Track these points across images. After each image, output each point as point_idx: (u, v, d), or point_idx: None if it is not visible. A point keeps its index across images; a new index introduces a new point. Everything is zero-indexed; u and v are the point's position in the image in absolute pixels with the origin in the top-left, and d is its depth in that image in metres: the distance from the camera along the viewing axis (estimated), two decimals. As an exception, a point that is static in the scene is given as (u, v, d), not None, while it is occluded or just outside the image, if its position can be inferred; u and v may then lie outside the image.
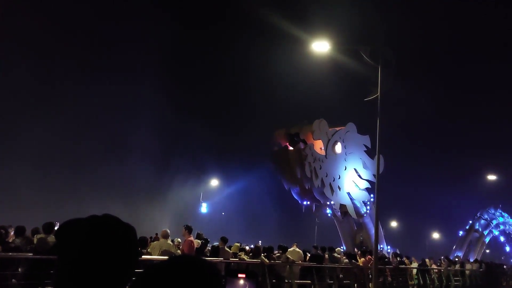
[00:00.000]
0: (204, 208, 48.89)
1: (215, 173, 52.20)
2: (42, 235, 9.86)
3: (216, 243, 14.06)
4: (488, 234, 56.58)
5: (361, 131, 28.75)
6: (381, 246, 28.15)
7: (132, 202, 47.09)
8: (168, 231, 12.27)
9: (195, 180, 51.65)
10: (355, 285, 15.75)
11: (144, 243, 12.25)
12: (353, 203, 27.94)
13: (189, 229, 12.41)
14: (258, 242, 23.08)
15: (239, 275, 1.42)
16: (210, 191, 51.74)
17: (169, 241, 12.30)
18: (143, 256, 10.28)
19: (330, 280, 14.47)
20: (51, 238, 9.45)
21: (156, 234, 17.67)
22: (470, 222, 55.44)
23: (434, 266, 23.00)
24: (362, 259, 17.84)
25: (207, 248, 14.02)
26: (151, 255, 11.11)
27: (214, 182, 51.83)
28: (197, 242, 13.51)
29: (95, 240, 1.31)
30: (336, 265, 15.44)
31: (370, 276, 15.92)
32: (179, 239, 15.11)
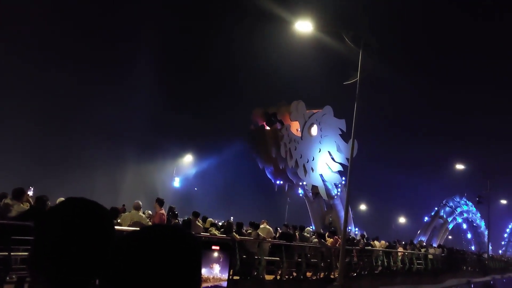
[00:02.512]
0: (177, 182, 48.74)
1: (190, 149, 52.02)
2: (8, 201, 9.61)
3: (188, 217, 14.10)
4: (452, 221, 58.70)
5: (337, 114, 29.02)
6: (349, 228, 28.80)
7: (106, 174, 46.59)
8: (140, 203, 12.18)
9: (170, 155, 51.39)
10: (322, 264, 16.12)
11: (115, 213, 12.17)
12: (325, 185, 28.36)
13: (160, 202, 12.37)
14: (230, 218, 23.23)
15: (213, 247, 1.42)
16: (184, 167, 51.58)
17: (141, 213, 12.23)
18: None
19: (298, 258, 14.75)
20: (18, 206, 9.22)
21: (123, 205, 17.46)
22: (436, 208, 57.31)
23: (400, 249, 23.72)
24: (331, 239, 18.24)
25: (176, 221, 14.06)
26: (121, 226, 11.04)
27: (188, 158, 51.62)
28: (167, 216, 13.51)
29: (73, 223, 1.29)
30: (305, 244, 15.73)
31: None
32: (149, 211, 15.08)
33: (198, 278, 1.13)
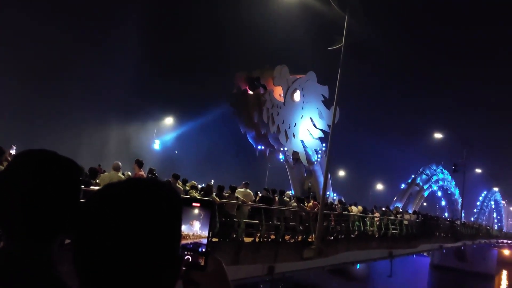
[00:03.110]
0: (157, 145, 48.45)
1: (172, 112, 51.46)
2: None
3: (167, 179, 14.08)
4: (427, 188, 60.41)
5: (321, 81, 28.93)
6: (328, 193, 29.31)
7: (89, 135, 46.00)
8: (120, 163, 12.06)
9: (151, 117, 50.84)
10: (300, 227, 16.45)
11: (94, 174, 12.07)
12: (305, 151, 28.58)
13: (139, 164, 12.28)
14: (211, 181, 23.32)
15: (194, 204, 1.39)
16: (165, 129, 51.18)
17: (120, 174, 12.15)
18: (91, 187, 10.16)
19: (277, 222, 15.01)
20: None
21: (99, 165, 17.28)
22: (413, 176, 58.74)
23: (376, 215, 24.33)
24: (310, 203, 18.57)
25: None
26: (100, 186, 10.99)
27: (169, 121, 51.15)
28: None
29: (34, 175, 1.24)
30: (284, 208, 15.98)
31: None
32: (129, 173, 15.00)
33: (177, 234, 1.09)
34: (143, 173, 12.68)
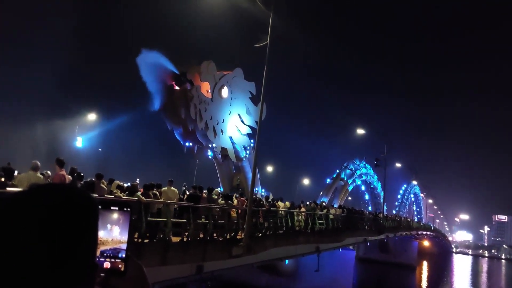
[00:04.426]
0: (79, 142, 46.14)
1: (95, 108, 49.27)
2: None
3: (91, 179, 13.48)
4: (352, 183, 63.22)
5: (248, 77, 29.20)
6: (257, 189, 29.72)
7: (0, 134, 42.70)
8: (38, 163, 11.35)
9: (72, 113, 48.32)
10: (229, 224, 16.49)
11: (10, 174, 11.24)
12: (234, 147, 28.75)
13: (60, 163, 11.63)
14: (136, 180, 22.69)
15: (112, 208, 1.35)
16: (87, 126, 48.83)
17: (39, 174, 11.43)
18: (8, 189, 9.46)
19: (205, 220, 14.94)
20: None
21: (8, 163, 16.12)
22: (337, 171, 61.16)
23: (302, 210, 25.01)
24: (237, 201, 18.68)
25: (80, 183, 13.38)
26: (17, 188, 10.26)
27: (92, 117, 48.93)
28: (69, 178, 12.78)
29: None
30: (212, 205, 15.95)
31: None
32: (49, 172, 14.14)
33: (93, 240, 1.06)
34: (64, 172, 12.02)
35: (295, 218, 22.83)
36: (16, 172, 12.80)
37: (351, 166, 63.10)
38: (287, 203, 23.80)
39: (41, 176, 11.65)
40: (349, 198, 69.20)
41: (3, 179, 10.28)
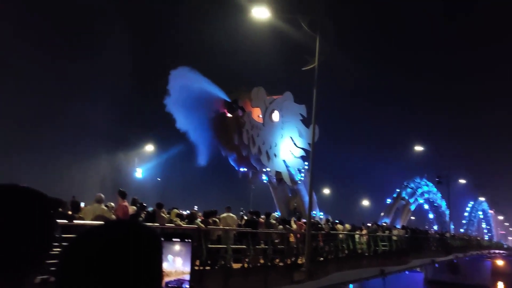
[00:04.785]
0: (139, 173, 47.86)
1: (151, 138, 51.05)
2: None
3: (151, 208, 13.90)
4: (414, 202, 60.55)
5: (297, 100, 29.24)
6: (314, 212, 29.26)
7: (66, 166, 45.16)
8: (102, 195, 11.88)
9: (130, 145, 50.35)
10: (289, 250, 16.30)
11: (76, 207, 11.81)
12: (288, 170, 28.63)
13: (122, 194, 12.12)
14: (194, 208, 23.13)
15: (174, 239, 1.37)
16: (146, 157, 50.64)
17: (103, 206, 11.94)
18: (75, 221, 9.93)
19: (265, 245, 14.85)
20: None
21: (73, 196, 16.92)
22: (398, 190, 58.90)
23: (363, 232, 24.25)
24: (295, 226, 18.46)
25: (143, 213, 13.81)
26: (83, 220, 10.75)
27: (150, 148, 50.71)
28: (132, 208, 13.24)
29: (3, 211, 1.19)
30: (271, 231, 15.85)
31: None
32: (112, 203, 14.73)
33: (159, 274, 1.08)
34: (126, 203, 12.49)
35: (357, 240, 22.19)
36: (82, 205, 13.45)
37: (412, 185, 60.57)
38: (347, 226, 23.22)
39: (105, 208, 12.13)
40: (412, 217, 66.21)
41: (70, 212, 10.80)
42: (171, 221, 13.14)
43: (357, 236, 22.63)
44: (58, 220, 8.62)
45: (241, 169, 28.21)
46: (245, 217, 18.22)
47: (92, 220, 10.70)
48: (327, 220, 24.39)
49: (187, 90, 24.28)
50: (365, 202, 75.58)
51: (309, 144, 25.41)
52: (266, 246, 14.75)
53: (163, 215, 13.26)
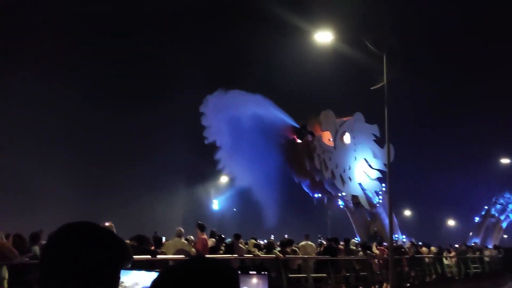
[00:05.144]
0: (215, 205, 48.92)
1: (225, 169, 52.06)
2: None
3: (229, 239, 14.04)
4: (505, 219, 55.89)
5: (369, 120, 28.55)
6: (396, 235, 27.97)
7: (145, 202, 47.36)
8: (182, 230, 12.25)
9: (206, 178, 51.69)
10: (372, 276, 15.64)
11: (158, 242, 12.23)
12: (365, 193, 27.79)
13: (201, 227, 12.39)
14: (271, 237, 23.04)
15: (251, 272, 1.36)
16: (221, 188, 51.70)
17: (183, 240, 12.27)
18: (158, 256, 10.27)
19: (346, 273, 14.37)
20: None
21: (155, 232, 17.53)
22: (486, 207, 54.82)
23: (452, 254, 22.76)
24: (377, 251, 17.72)
25: (224, 245, 14.00)
26: (165, 254, 11.08)
27: (224, 179, 51.80)
28: (211, 241, 13.50)
29: (72, 248, 1.30)
30: (351, 257, 15.33)
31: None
32: (192, 237, 15.09)
33: None
34: (205, 236, 12.74)
35: (445, 263, 20.82)
36: (163, 239, 13.92)
37: (502, 200, 56.08)
38: (433, 248, 21.92)
39: (186, 242, 12.45)
40: (505, 236, 60.98)
41: (153, 247, 11.20)
42: (249, 252, 13.16)
43: (445, 259, 21.27)
44: (142, 256, 8.98)
45: (316, 195, 27.89)
46: (324, 244, 17.80)
47: (173, 254, 10.99)
48: (412, 243, 23.15)
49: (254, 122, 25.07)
50: (451, 222, 70.83)
51: (384, 164, 24.60)
52: (348, 274, 14.24)
53: (241, 246, 13.32)
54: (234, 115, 25.94)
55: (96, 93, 50.18)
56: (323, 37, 17.81)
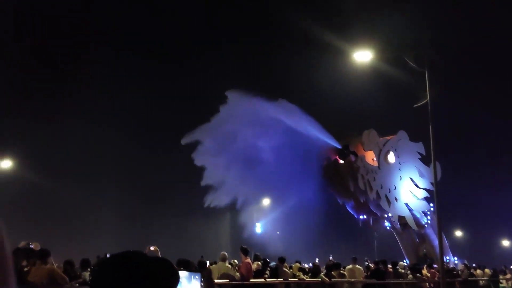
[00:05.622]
0: (258, 228, 48.76)
1: (266, 192, 51.97)
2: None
3: (273, 263, 13.92)
4: None
5: (413, 138, 27.82)
6: (447, 257, 26.78)
7: (195, 228, 48.04)
8: (226, 254, 12.31)
9: (249, 201, 51.74)
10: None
11: (203, 266, 12.32)
12: (412, 214, 26.91)
13: (244, 251, 12.38)
14: (316, 260, 22.64)
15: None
16: (263, 211, 51.56)
17: (227, 264, 12.30)
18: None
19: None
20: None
21: (202, 256, 17.68)
22: (545, 223, 51.80)
23: (508, 276, 21.52)
24: (426, 272, 17.02)
25: (269, 269, 13.90)
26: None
27: (266, 202, 51.64)
28: (256, 264, 13.44)
29: (119, 276, 1.35)
30: (401, 281, 14.78)
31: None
32: (236, 261, 15.09)
33: None
34: (249, 260, 12.71)
35: (502, 286, 19.71)
36: (208, 263, 14.00)
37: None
38: (487, 270, 20.83)
39: (229, 266, 12.47)
40: None
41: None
42: (294, 276, 12.97)
43: (501, 282, 20.14)
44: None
45: (361, 217, 27.29)
46: (371, 267, 17.29)
47: (218, 278, 11.01)
48: (465, 266, 22.09)
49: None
50: (506, 242, 67.03)
51: (432, 183, 23.82)
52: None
53: (286, 270, 13.16)
54: (275, 136, 26.05)
55: (144, 128, 52.08)
56: (362, 56, 17.69)
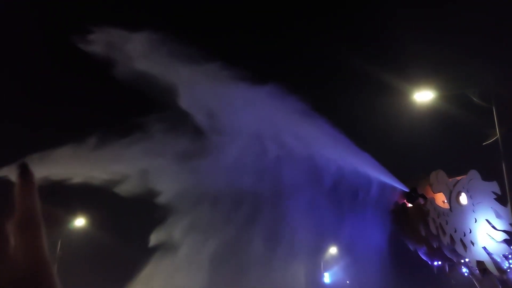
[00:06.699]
0: (327, 278, 47.43)
1: (333, 240, 50.83)
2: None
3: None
4: None
5: (486, 177, 26.47)
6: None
7: (260, 278, 47.67)
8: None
9: (315, 251, 50.77)
10: None
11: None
12: (491, 258, 25.15)
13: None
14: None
15: None
16: (331, 260, 50.28)
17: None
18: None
19: None
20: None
21: None
22: None
23: None
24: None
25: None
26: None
27: (333, 250, 50.38)
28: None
29: None
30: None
31: None
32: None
33: None
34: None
35: None
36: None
37: None
38: None
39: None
40: None
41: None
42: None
43: None
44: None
45: (436, 263, 25.90)
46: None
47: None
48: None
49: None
50: None
51: (510, 224, 22.38)
52: None
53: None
54: (343, 182, 25.85)
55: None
56: (423, 96, 17.57)
